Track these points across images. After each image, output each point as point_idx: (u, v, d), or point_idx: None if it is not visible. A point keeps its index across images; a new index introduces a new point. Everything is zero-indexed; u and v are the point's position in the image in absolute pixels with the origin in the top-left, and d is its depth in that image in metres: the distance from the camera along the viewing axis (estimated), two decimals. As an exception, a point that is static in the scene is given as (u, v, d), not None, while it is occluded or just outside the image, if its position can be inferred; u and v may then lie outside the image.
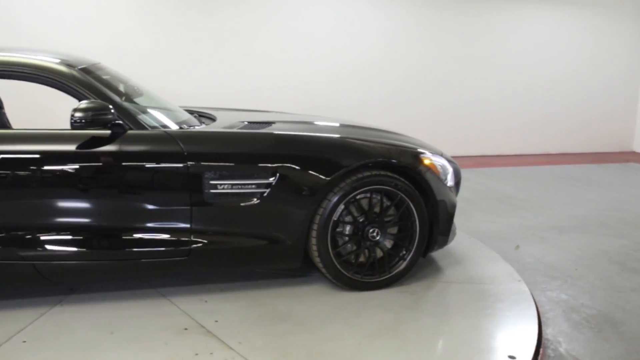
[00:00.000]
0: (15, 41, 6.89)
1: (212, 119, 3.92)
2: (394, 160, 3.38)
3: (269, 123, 3.75)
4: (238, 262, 3.32)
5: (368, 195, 3.36)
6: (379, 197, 3.38)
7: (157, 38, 7.82)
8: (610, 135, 10.39)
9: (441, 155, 3.80)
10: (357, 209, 3.37)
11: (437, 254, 4.11)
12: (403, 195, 3.37)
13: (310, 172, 3.24)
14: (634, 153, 10.49)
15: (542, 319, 3.49)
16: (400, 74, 9.12)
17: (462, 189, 7.25)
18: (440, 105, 9.39)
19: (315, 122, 4.08)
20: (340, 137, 3.48)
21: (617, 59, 10.23)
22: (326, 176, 3.24)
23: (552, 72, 9.82)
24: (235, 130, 3.43)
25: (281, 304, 3.28)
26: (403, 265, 3.46)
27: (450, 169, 3.76)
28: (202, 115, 4.06)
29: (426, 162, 3.51)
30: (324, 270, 3.37)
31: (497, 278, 3.67)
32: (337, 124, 4.09)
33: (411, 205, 3.40)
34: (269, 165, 3.20)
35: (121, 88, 3.60)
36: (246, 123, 3.70)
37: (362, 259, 3.43)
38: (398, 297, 3.38)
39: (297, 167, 3.24)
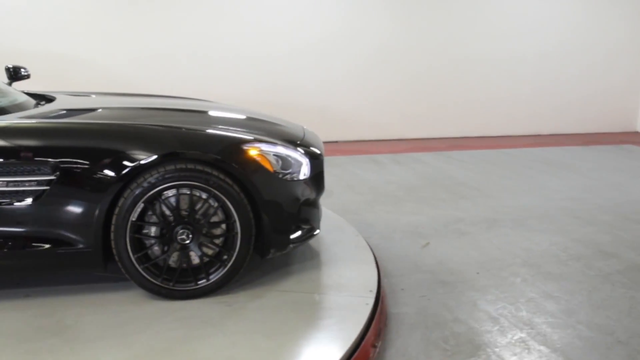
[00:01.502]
0: None
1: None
2: (201, 152, 2.86)
3: (88, 110, 3.29)
4: (24, 268, 2.90)
5: (178, 192, 2.87)
6: (193, 195, 2.89)
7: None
8: (610, 114, 9.40)
9: (295, 146, 3.25)
10: (168, 207, 2.89)
11: (300, 256, 3.57)
12: (217, 193, 2.86)
13: (101, 166, 2.76)
14: (636, 134, 9.48)
15: (392, 337, 2.94)
16: (368, 48, 8.45)
17: (411, 174, 6.59)
18: (414, 83, 8.68)
19: (148, 107, 3.58)
20: (141, 126, 2.96)
21: (615, 29, 9.19)
22: (119, 171, 2.76)
23: (541, 45, 8.91)
24: (10, 121, 2.97)
25: (72, 315, 2.83)
26: (223, 271, 2.96)
27: (303, 161, 3.20)
28: (49, 100, 3.64)
29: (252, 153, 2.97)
30: (127, 276, 2.91)
31: (348, 287, 3.11)
32: (178, 109, 3.60)
33: (228, 203, 2.88)
34: (50, 159, 2.73)
35: None
36: (64, 111, 3.25)
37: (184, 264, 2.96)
38: (211, 308, 2.88)
39: (84, 161, 2.76)
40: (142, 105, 3.65)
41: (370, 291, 3.06)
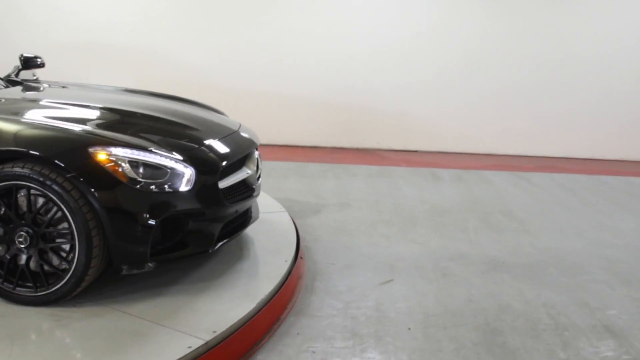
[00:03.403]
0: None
1: None
2: (36, 152, 2.62)
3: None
4: None
5: (16, 193, 2.69)
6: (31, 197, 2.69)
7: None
8: None
9: (181, 154, 2.86)
10: (6, 207, 2.71)
11: (189, 276, 3.14)
12: (53, 197, 2.60)
13: None
14: None
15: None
16: (458, 51, 7.56)
17: (459, 194, 5.66)
18: (509, 91, 7.58)
19: (47, 99, 3.42)
20: None
21: None
22: None
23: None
24: None
25: None
26: (62, 282, 2.69)
27: (185, 172, 2.80)
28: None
29: (98, 157, 2.63)
30: (-32, 273, 2.80)
31: (195, 323, 2.59)
32: (75, 103, 3.37)
33: (65, 210, 2.61)
34: None
35: None
36: None
37: (34, 267, 2.77)
38: (38, 320, 2.59)
39: None
40: (51, 98, 3.53)
41: (214, 332, 2.56)
